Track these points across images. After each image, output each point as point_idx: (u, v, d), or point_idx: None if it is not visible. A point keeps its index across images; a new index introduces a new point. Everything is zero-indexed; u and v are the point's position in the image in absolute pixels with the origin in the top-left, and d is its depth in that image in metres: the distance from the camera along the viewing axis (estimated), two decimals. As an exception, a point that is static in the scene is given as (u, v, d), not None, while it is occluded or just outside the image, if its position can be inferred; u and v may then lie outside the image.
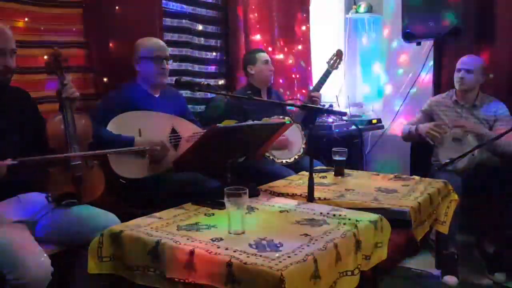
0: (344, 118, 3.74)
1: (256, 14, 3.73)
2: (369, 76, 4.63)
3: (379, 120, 4.22)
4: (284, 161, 3.02)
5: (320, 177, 2.47)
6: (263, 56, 3.25)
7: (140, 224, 1.68)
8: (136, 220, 1.73)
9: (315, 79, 3.70)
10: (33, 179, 2.01)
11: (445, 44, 3.66)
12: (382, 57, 4.45)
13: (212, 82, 3.52)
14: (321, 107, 3.00)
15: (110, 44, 2.76)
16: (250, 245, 1.46)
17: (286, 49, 3.99)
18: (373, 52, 4.57)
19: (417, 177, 2.48)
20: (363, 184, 2.34)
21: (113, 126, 2.34)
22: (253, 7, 3.71)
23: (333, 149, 2.49)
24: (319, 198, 2.05)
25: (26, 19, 2.40)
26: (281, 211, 1.86)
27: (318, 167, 2.73)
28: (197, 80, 3.20)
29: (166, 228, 1.64)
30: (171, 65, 2.79)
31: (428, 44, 3.79)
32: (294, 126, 3.07)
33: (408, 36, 3.63)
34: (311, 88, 3.76)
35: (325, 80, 3.28)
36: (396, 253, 2.95)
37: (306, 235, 1.57)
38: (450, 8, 3.38)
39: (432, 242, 3.09)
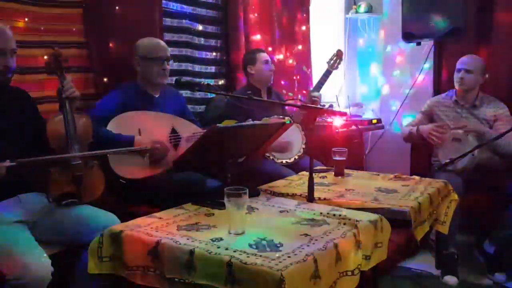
0: (344, 118, 3.74)
1: (256, 14, 3.73)
2: (369, 76, 4.63)
3: (379, 120, 4.22)
4: (284, 161, 3.02)
5: (320, 177, 2.47)
6: (263, 56, 3.25)
7: (140, 224, 1.68)
8: (136, 220, 1.73)
9: (315, 79, 3.70)
10: (33, 179, 2.01)
11: (445, 44, 3.66)
12: (382, 57, 4.45)
13: (212, 82, 3.52)
14: (321, 107, 3.00)
15: (110, 44, 2.76)
16: (250, 245, 1.46)
17: (286, 49, 3.99)
18: (373, 52, 4.57)
19: (417, 177, 2.48)
20: (363, 184, 2.34)
21: (113, 126, 2.34)
22: (253, 7, 3.71)
23: (333, 149, 2.49)
24: (319, 198, 2.05)
25: (26, 19, 2.40)
26: (281, 211, 1.86)
27: (318, 167, 2.73)
28: (197, 80, 3.20)
29: (166, 228, 1.64)
30: (171, 65, 2.79)
31: (428, 44, 3.80)
32: (294, 126, 3.07)
33: (408, 36, 3.63)
34: (311, 88, 3.76)
35: (325, 80, 3.28)
36: (396, 253, 2.95)
37: (306, 235, 1.57)
38: (450, 8, 3.38)
39: (432, 242, 3.10)
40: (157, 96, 2.63)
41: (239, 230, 1.57)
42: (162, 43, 2.63)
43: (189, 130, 2.57)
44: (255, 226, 1.66)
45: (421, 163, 3.32)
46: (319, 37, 4.38)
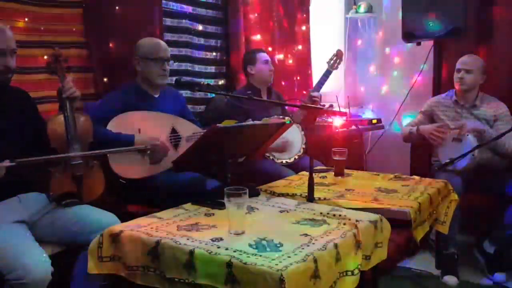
0: (344, 118, 3.74)
1: (256, 14, 3.73)
2: (369, 76, 4.63)
3: (379, 120, 4.22)
4: (284, 161, 3.02)
5: (320, 177, 2.47)
6: (263, 56, 3.25)
7: (140, 224, 1.68)
8: (136, 220, 1.73)
9: (315, 79, 3.70)
10: (33, 179, 2.01)
11: (445, 44, 3.66)
12: (382, 57, 4.45)
13: (212, 82, 3.52)
14: (321, 107, 3.00)
15: (110, 44, 2.77)
16: (250, 245, 1.46)
17: (286, 49, 3.99)
18: (373, 52, 4.57)
19: (417, 177, 2.48)
20: (363, 184, 2.34)
21: (113, 126, 2.34)
22: (253, 7, 3.71)
23: (333, 149, 2.49)
24: (319, 198, 2.05)
25: (26, 19, 2.41)
26: (281, 211, 1.86)
27: (318, 167, 2.73)
28: (197, 80, 3.20)
29: (166, 228, 1.64)
30: (172, 65, 2.79)
31: (428, 44, 3.80)
32: (294, 126, 3.07)
33: (408, 36, 3.63)
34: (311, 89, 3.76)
35: (325, 80, 3.28)
36: (396, 253, 2.95)
37: (306, 235, 1.57)
38: (450, 8, 3.38)
39: (432, 242, 3.10)
40: (157, 96, 2.63)
41: (239, 230, 1.57)
42: (163, 43, 2.63)
43: (189, 130, 2.57)
44: (255, 226, 1.66)
45: (421, 163, 3.32)
46: (319, 37, 4.38)
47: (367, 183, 2.37)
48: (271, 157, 2.99)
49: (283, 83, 3.96)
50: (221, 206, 1.71)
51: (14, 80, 2.04)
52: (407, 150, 3.49)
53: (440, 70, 3.69)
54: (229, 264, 1.34)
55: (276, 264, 1.31)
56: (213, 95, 3.38)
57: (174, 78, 2.33)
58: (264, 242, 1.49)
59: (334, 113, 3.17)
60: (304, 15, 4.14)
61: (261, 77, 3.23)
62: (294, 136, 3.09)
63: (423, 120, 3.26)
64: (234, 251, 1.41)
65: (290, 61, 4.03)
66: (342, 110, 4.03)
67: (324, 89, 3.34)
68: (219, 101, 3.36)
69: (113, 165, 2.27)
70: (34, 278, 1.61)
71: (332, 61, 3.31)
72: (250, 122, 2.63)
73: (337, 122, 3.71)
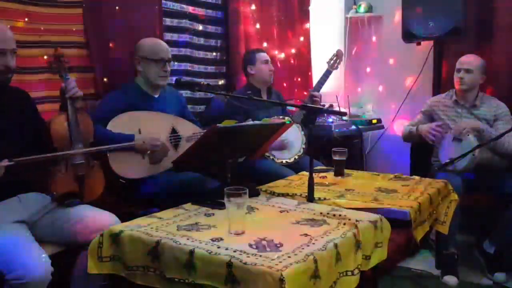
0: (344, 118, 3.74)
1: (256, 14, 3.73)
2: (369, 76, 4.63)
3: (379, 120, 4.22)
4: (284, 161, 3.02)
5: (320, 177, 2.47)
6: (263, 56, 3.25)
7: (140, 224, 1.68)
8: (136, 220, 1.73)
9: (315, 79, 3.70)
10: (33, 178, 2.01)
11: (445, 44, 3.66)
12: (382, 57, 4.45)
13: (212, 82, 3.52)
14: (321, 107, 3.00)
15: (110, 44, 2.76)
16: (250, 245, 1.46)
17: (286, 49, 3.99)
18: (373, 52, 4.57)
19: (417, 177, 2.48)
20: (363, 184, 2.34)
21: (113, 126, 2.34)
22: (253, 7, 3.71)
23: (333, 149, 2.49)
24: (319, 198, 2.05)
25: (26, 19, 2.40)
26: (281, 211, 1.86)
27: (318, 167, 2.73)
28: (197, 80, 3.20)
29: (166, 228, 1.64)
30: (172, 65, 2.79)
31: (428, 44, 3.80)
32: (294, 126, 3.07)
33: (408, 36, 3.63)
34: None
35: (325, 80, 3.28)
36: (396, 253, 2.95)
37: (306, 235, 1.57)
38: (450, 8, 3.38)
39: (432, 242, 3.10)
40: (157, 96, 2.63)
41: (239, 230, 1.57)
42: (164, 44, 2.63)
43: (189, 130, 2.58)
44: (255, 226, 1.66)
45: (421, 163, 3.31)
46: (319, 37, 4.38)
47: (367, 183, 2.37)
48: (271, 157, 2.99)
49: (284, 84, 3.95)
50: (221, 206, 1.71)
51: (14, 80, 2.04)
52: (407, 150, 3.49)
53: (440, 70, 3.69)
54: (229, 264, 1.34)
55: (276, 264, 1.31)
56: (213, 95, 3.38)
57: (174, 78, 2.33)
58: (264, 242, 1.49)
59: (334, 113, 3.18)
60: (304, 15, 4.13)
61: (261, 77, 3.23)
62: (294, 136, 3.09)
63: (423, 119, 3.26)
64: (234, 251, 1.41)
65: (290, 61, 4.03)
66: (342, 110, 4.03)
67: (324, 89, 3.34)
68: (219, 101, 3.36)
69: (113, 165, 2.27)
70: (34, 278, 1.61)
71: (332, 61, 3.31)
72: (250, 122, 2.63)
73: (337, 122, 3.71)
